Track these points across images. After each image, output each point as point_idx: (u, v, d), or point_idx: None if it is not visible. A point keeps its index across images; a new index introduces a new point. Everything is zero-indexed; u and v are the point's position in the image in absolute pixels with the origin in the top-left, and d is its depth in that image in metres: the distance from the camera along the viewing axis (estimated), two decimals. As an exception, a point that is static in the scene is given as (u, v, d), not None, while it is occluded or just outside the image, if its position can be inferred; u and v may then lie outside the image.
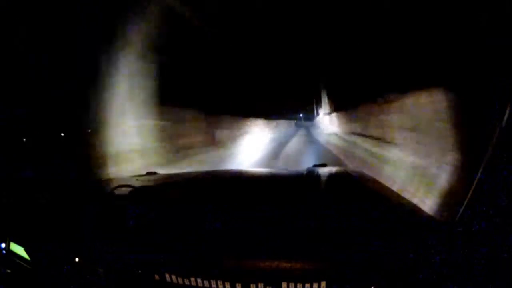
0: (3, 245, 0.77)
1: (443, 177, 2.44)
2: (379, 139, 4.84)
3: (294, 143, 9.99)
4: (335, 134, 8.77)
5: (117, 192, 1.00)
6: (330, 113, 10.94)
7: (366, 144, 5.67)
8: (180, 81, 5.16)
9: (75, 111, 3.06)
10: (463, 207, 0.67)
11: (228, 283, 0.58)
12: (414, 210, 0.87)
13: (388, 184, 1.27)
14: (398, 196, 1.04)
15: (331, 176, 1.45)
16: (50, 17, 2.63)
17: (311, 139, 11.42)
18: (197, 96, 5.80)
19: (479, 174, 0.65)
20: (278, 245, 0.63)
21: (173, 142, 5.13)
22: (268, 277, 0.58)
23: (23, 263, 0.73)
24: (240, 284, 0.58)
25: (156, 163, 4.15)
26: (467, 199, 0.66)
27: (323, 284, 0.56)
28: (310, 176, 1.39)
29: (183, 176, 1.32)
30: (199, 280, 0.59)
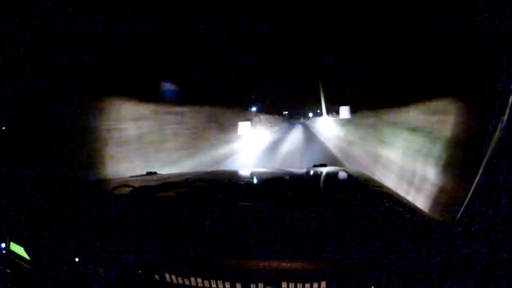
0: (3, 245, 0.77)
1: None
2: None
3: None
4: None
5: (117, 192, 1.00)
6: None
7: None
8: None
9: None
10: (463, 207, 0.67)
11: (228, 283, 0.58)
12: (414, 210, 0.87)
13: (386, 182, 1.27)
14: (398, 196, 1.03)
15: (331, 176, 1.45)
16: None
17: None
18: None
19: (479, 174, 0.65)
20: (278, 245, 0.63)
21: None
22: (268, 277, 0.58)
23: (23, 263, 0.73)
24: (240, 284, 0.58)
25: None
26: (467, 199, 0.66)
27: (323, 284, 0.56)
28: (310, 176, 1.39)
29: (183, 176, 1.32)
30: (199, 280, 0.59)
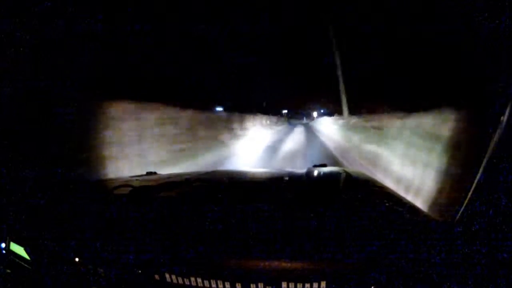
0: (3, 245, 0.77)
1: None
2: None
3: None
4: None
5: (117, 192, 1.00)
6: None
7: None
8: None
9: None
10: (463, 207, 0.67)
11: (228, 283, 0.58)
12: (414, 210, 0.87)
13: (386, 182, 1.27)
14: (398, 196, 1.04)
15: (330, 176, 1.45)
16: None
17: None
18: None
19: (479, 174, 0.65)
20: (278, 245, 0.63)
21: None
22: (268, 277, 0.58)
23: (23, 263, 0.73)
24: (240, 284, 0.58)
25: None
26: (467, 199, 0.66)
27: (323, 284, 0.56)
28: (310, 176, 1.39)
29: (183, 176, 1.32)
30: (199, 280, 0.59)
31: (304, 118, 37.89)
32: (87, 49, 3.18)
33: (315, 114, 32.53)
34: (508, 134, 0.62)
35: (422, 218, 0.82)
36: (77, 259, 0.67)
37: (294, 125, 25.99)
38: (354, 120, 8.15)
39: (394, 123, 4.38)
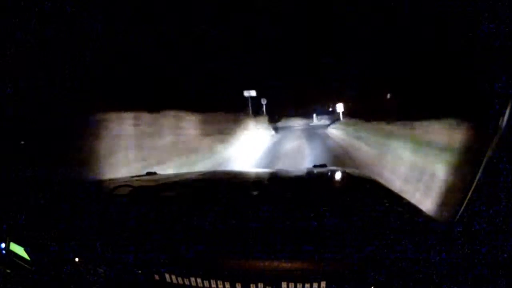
0: (3, 245, 0.77)
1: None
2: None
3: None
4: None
5: (117, 192, 1.00)
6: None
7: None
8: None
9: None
10: (463, 207, 0.67)
11: (228, 283, 0.58)
12: (414, 210, 0.87)
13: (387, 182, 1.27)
14: (398, 196, 1.03)
15: (331, 176, 1.45)
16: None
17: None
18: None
19: (479, 174, 0.65)
20: (278, 245, 0.63)
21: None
22: (268, 277, 0.58)
23: (23, 263, 0.73)
24: (240, 284, 0.58)
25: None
26: (467, 199, 0.66)
27: (323, 284, 0.56)
28: (310, 176, 1.39)
29: (183, 176, 1.32)
30: (199, 280, 0.59)
31: (314, 117, 19.42)
32: (89, 49, 3.19)
33: (340, 107, 15.51)
34: (508, 134, 0.62)
35: (422, 218, 0.82)
36: (77, 259, 0.67)
37: (285, 136, 12.12)
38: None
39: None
